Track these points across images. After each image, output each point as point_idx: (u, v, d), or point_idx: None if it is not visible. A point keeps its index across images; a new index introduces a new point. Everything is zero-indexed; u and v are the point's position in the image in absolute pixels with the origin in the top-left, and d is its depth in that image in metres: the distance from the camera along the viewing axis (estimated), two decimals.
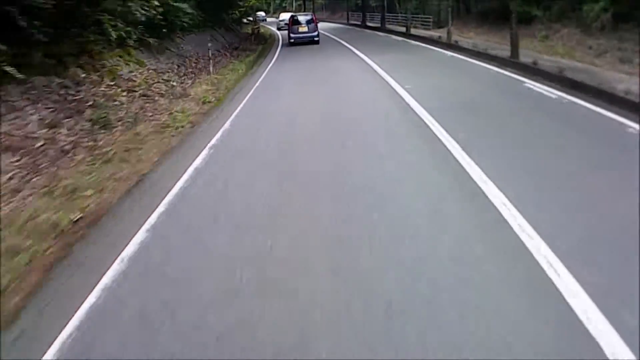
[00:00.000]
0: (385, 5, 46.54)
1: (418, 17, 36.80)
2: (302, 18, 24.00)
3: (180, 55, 14.08)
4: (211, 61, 13.71)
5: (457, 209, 4.08)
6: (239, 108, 9.03)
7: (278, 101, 9.74)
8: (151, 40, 11.47)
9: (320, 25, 43.69)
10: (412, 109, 7.64)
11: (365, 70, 13.16)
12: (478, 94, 9.04)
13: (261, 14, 64.48)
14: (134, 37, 11.09)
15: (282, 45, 24.70)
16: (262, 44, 24.85)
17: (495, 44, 18.33)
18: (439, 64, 13.99)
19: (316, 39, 22.82)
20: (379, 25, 35.50)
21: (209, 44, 14.52)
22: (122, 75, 9.84)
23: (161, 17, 12.79)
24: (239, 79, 12.94)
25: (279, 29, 38.35)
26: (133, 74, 10.38)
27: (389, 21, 37.88)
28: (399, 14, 43.15)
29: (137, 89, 9.73)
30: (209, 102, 9.64)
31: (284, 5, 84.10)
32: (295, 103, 9.36)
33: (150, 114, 8.60)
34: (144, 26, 11.72)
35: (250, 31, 30.98)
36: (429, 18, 35.54)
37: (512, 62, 12.52)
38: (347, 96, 9.76)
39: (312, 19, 23.67)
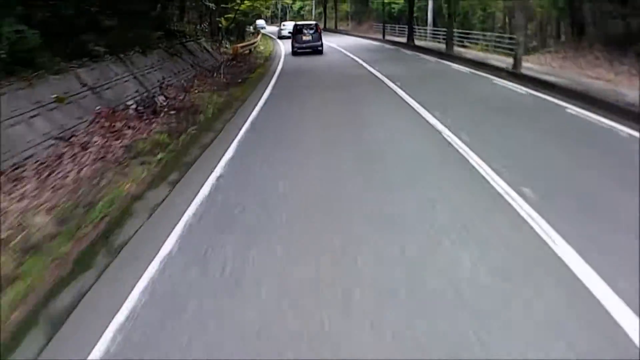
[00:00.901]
0: (431, 18, 34.34)
1: (486, 36, 24.74)
2: (305, 27, 22.88)
3: None
4: None
5: None
6: None
7: None
8: None
9: (344, 41, 31.84)
10: None
11: None
12: None
13: (261, 22, 53.37)
14: None
15: (277, 82, 12.85)
16: (239, 84, 12.76)
17: None
18: None
19: (319, 48, 22.05)
20: (435, 44, 23.17)
21: None
22: None
23: None
24: None
25: (280, 37, 37.06)
26: None
27: (438, 38, 25.69)
28: (445, 28, 31.40)
29: None
30: None
31: (302, 13, 72.21)
32: None
33: None
34: None
35: (231, 51, 18.96)
36: (511, 39, 23.42)
37: None
38: None
39: (316, 28, 22.86)
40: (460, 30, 27.43)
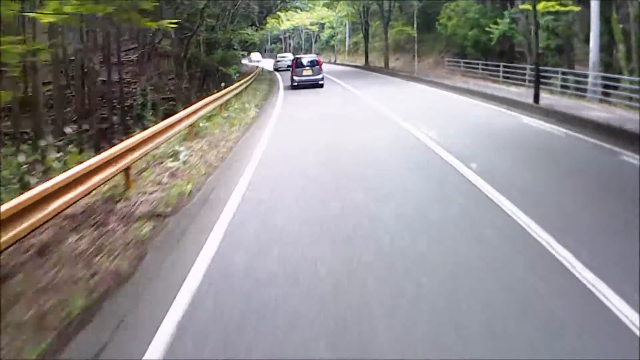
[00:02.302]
0: (597, 55, 16.71)
1: None
2: (306, 60, 22.29)
3: None
4: None
5: None
6: None
7: None
8: None
9: (409, 104, 12.60)
10: None
11: None
12: None
13: (256, 55, 41.63)
14: None
15: None
16: None
17: None
18: None
19: (320, 82, 21.42)
20: None
21: None
22: None
23: None
24: None
25: (276, 69, 37.08)
26: None
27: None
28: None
29: None
30: None
31: (331, 43, 55.74)
32: None
33: None
34: None
35: None
36: None
37: None
38: None
39: (316, 62, 22.07)
40: None
